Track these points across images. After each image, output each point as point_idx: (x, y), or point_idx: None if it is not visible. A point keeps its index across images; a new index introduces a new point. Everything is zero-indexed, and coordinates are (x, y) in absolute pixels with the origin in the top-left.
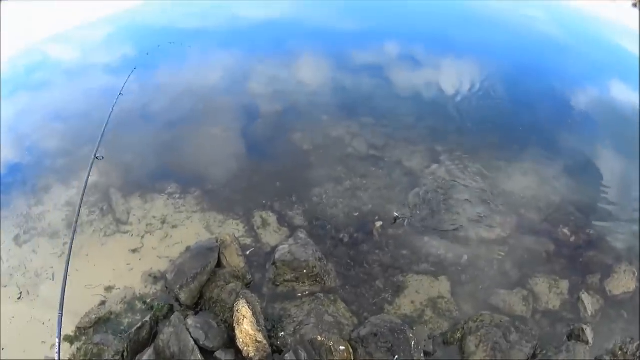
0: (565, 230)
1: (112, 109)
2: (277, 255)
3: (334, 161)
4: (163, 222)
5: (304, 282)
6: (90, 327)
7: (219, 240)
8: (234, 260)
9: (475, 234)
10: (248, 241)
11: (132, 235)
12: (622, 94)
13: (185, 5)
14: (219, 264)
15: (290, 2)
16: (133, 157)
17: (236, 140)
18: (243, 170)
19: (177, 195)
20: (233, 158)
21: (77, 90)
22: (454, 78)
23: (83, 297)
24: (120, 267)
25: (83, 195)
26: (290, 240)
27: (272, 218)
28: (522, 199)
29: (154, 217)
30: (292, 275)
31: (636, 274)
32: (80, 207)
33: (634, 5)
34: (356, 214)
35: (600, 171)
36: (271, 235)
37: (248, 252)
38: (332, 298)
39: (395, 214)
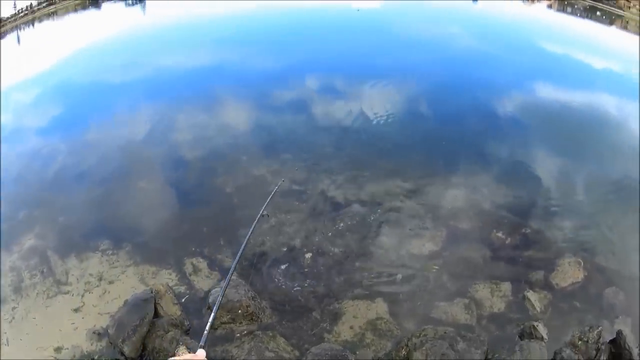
0: (499, 234)
1: None
2: (210, 300)
3: (257, 200)
4: (100, 279)
5: (240, 322)
6: None
7: (153, 291)
8: (170, 309)
9: (407, 251)
10: (182, 289)
11: (72, 295)
12: (543, 95)
13: (106, 58)
14: (157, 314)
15: (208, 47)
16: (66, 217)
17: (162, 191)
18: (171, 220)
19: (110, 251)
20: (160, 208)
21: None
22: (372, 103)
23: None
24: (65, 327)
25: None
26: (222, 283)
27: (202, 263)
28: (451, 211)
29: (91, 274)
30: (228, 316)
31: (582, 264)
32: None
33: (549, 6)
34: (284, 249)
35: (525, 173)
36: (203, 281)
37: (183, 300)
38: (271, 334)
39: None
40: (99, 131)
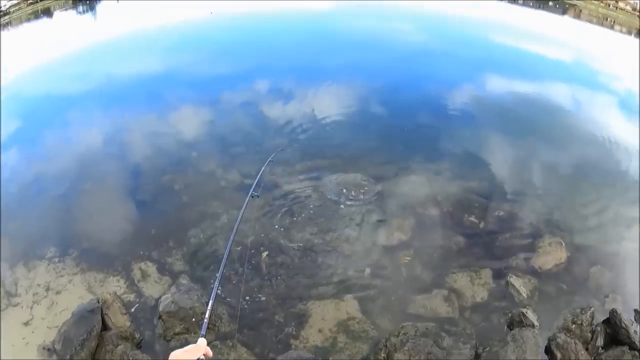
0: (472, 218)
1: None
2: (160, 308)
3: (207, 197)
4: (47, 290)
5: (196, 332)
6: None
7: (100, 301)
8: (119, 320)
9: (373, 243)
10: (131, 297)
11: (22, 307)
12: (497, 87)
13: (58, 69)
14: (105, 326)
15: (158, 55)
16: (15, 226)
17: (107, 193)
18: (117, 222)
19: (57, 259)
20: (106, 211)
21: None
22: (324, 102)
23: None
24: (17, 342)
25: None
26: (173, 289)
27: (151, 268)
28: (417, 198)
29: (39, 285)
30: (182, 326)
31: (563, 244)
32: None
33: None
34: (239, 248)
35: (487, 160)
36: (153, 287)
37: (132, 309)
38: (230, 344)
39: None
40: (45, 138)
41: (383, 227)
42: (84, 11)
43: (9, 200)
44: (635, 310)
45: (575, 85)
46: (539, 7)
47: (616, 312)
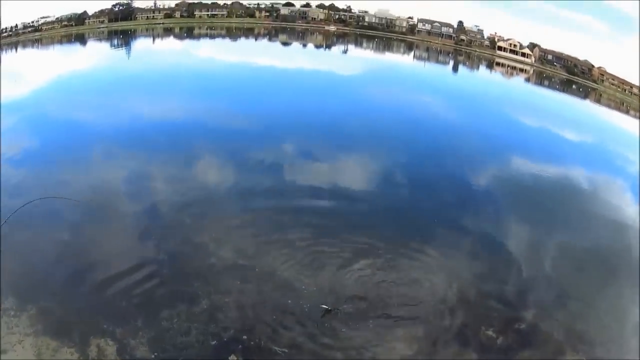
0: (490, 332)
1: None
2: None
3: (191, 275)
4: None
5: None
6: None
7: None
8: None
9: (372, 354)
10: None
11: None
12: (518, 164)
13: (84, 97)
14: None
15: (188, 101)
16: None
17: (88, 245)
18: (85, 284)
19: (12, 312)
20: (79, 267)
21: None
22: (344, 171)
23: None
24: None
25: None
26: None
27: (110, 348)
28: (430, 302)
29: None
30: None
31: None
32: None
33: (527, 79)
34: (213, 342)
35: (511, 249)
36: None
37: None
38: None
39: (323, 307)
40: (49, 171)
41: (386, 335)
42: (118, 45)
43: None
44: None
45: (595, 169)
46: (564, 91)
47: None
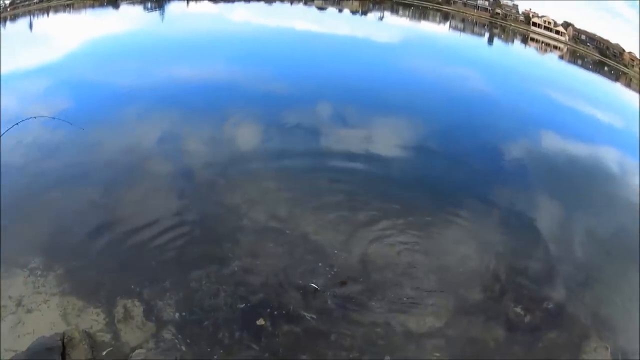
0: (518, 309)
1: None
2: None
3: (222, 236)
4: (18, 305)
5: None
6: None
7: (65, 337)
8: None
9: (401, 324)
10: (105, 338)
11: None
12: (550, 141)
13: (118, 61)
14: None
15: (222, 63)
16: (2, 223)
17: (112, 209)
18: (115, 245)
19: (39, 272)
20: (105, 230)
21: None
22: (379, 137)
23: None
24: None
25: None
26: (151, 342)
27: (137, 309)
28: (461, 274)
29: (10, 297)
30: None
31: (609, 349)
32: None
33: (560, 57)
34: (242, 305)
35: (540, 225)
36: (133, 332)
37: (104, 353)
38: None
39: (313, 285)
40: (79, 133)
41: (416, 307)
42: (151, 8)
43: (5, 192)
44: None
45: (626, 153)
46: (596, 71)
47: None
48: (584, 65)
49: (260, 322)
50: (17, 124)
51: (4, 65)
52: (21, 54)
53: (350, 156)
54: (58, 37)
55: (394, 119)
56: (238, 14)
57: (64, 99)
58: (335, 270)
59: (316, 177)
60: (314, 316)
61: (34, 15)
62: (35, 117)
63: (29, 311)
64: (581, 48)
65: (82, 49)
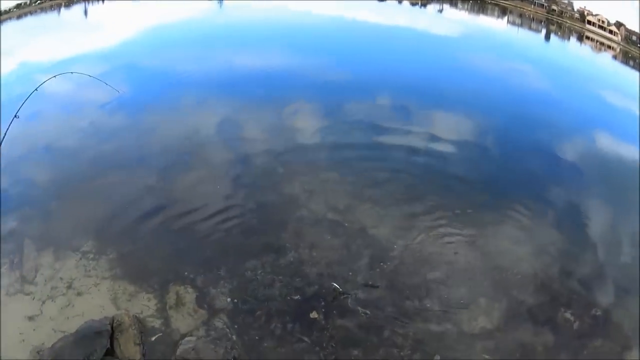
0: (568, 315)
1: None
2: (178, 352)
3: (279, 226)
4: (69, 287)
5: None
6: None
7: (115, 322)
8: (129, 350)
9: (454, 324)
10: (155, 324)
11: (33, 299)
12: (607, 144)
13: (174, 47)
14: (112, 352)
15: (282, 52)
16: (57, 205)
17: (169, 195)
18: (170, 231)
19: (91, 256)
20: (161, 216)
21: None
22: (437, 131)
23: None
24: (12, 336)
25: None
26: (202, 330)
27: (190, 295)
28: (515, 276)
29: (61, 278)
30: None
31: None
32: None
33: (614, 57)
34: (296, 297)
35: (594, 230)
36: (184, 319)
37: (153, 338)
38: None
39: (335, 286)
40: (133, 120)
41: (469, 307)
42: None
43: (63, 174)
44: None
45: None
46: None
47: None
48: (636, 67)
49: (314, 315)
50: (54, 76)
51: (61, 52)
52: (77, 40)
53: (410, 149)
54: (114, 24)
55: (452, 113)
56: (298, 3)
57: (120, 85)
58: (391, 265)
59: (375, 169)
60: (368, 312)
61: (88, 2)
62: (72, 73)
63: (79, 294)
64: (633, 49)
65: (139, 37)
